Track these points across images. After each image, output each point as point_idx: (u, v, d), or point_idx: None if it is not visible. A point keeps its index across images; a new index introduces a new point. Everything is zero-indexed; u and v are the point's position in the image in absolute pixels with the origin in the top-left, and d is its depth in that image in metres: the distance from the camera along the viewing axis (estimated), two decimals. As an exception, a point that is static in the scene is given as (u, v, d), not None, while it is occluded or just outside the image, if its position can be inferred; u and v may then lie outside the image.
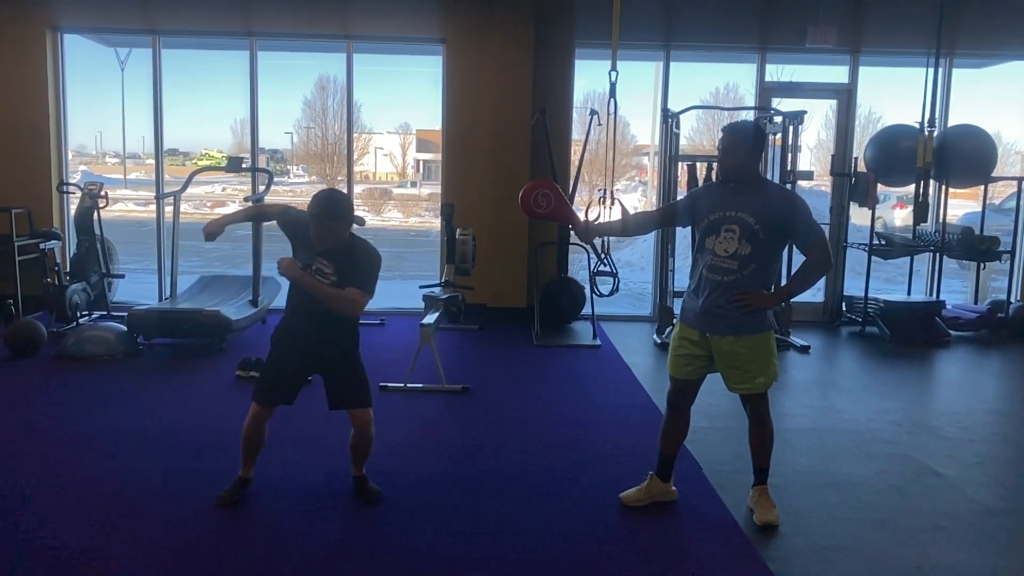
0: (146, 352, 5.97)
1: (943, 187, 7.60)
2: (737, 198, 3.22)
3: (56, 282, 6.63)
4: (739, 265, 3.19)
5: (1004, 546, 3.27)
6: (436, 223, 10.07)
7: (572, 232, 3.89)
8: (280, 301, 7.21)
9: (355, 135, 8.53)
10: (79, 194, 7.02)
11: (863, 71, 7.68)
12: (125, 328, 5.96)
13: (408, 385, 5.14)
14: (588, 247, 6.44)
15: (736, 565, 3.02)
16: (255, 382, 3.51)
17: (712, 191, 3.40)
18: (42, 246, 6.85)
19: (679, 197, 4.75)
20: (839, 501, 3.61)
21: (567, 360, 6.13)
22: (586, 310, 7.11)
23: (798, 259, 3.41)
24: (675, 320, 3.62)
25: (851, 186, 7.38)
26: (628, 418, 4.73)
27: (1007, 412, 5.31)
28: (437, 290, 6.06)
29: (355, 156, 8.54)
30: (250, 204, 3.11)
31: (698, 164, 6.81)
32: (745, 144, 3.22)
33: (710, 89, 14.31)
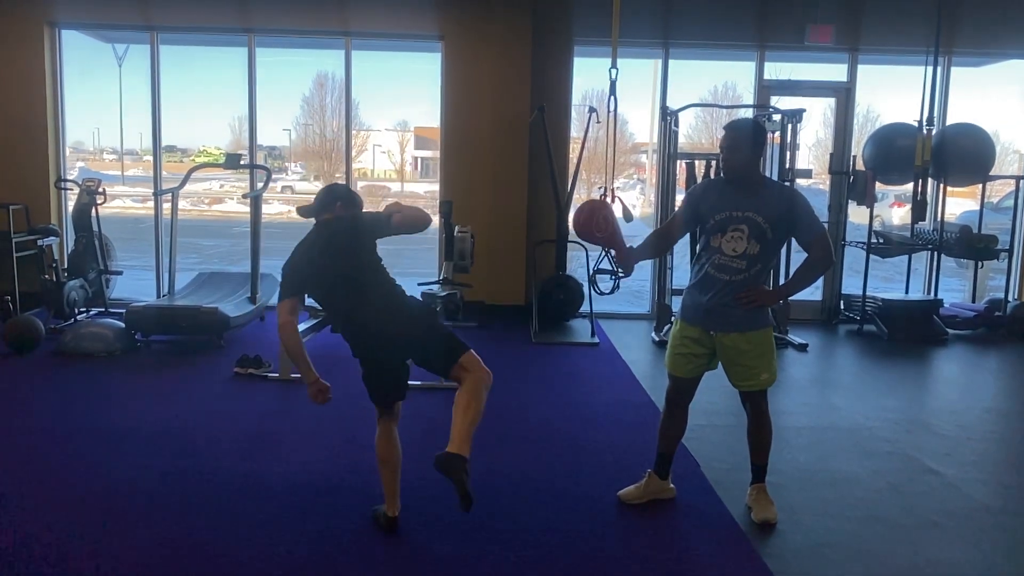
0: (144, 349, 5.96)
1: (941, 185, 7.60)
2: (742, 198, 3.20)
3: (54, 278, 6.62)
4: (747, 264, 3.18)
5: (1001, 544, 3.28)
6: (435, 220, 10.05)
7: (611, 259, 3.75)
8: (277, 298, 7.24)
9: (353, 132, 8.52)
10: (77, 190, 7.01)
11: (862, 69, 7.66)
12: (123, 325, 5.95)
13: (406, 382, 5.13)
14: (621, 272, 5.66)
15: (734, 562, 3.03)
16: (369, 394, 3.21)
17: (712, 190, 3.39)
18: (40, 242, 6.84)
19: (678, 196, 4.73)
20: (837, 499, 3.61)
21: (565, 358, 6.13)
22: (584, 308, 7.11)
23: (796, 256, 3.41)
24: (674, 318, 3.61)
25: (849, 184, 7.38)
26: (626, 416, 4.73)
27: (1004, 411, 5.32)
28: (436, 287, 6.05)
29: (353, 153, 8.54)
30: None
31: (697, 162, 6.80)
32: (748, 141, 3.22)
33: (709, 87, 14.31)
